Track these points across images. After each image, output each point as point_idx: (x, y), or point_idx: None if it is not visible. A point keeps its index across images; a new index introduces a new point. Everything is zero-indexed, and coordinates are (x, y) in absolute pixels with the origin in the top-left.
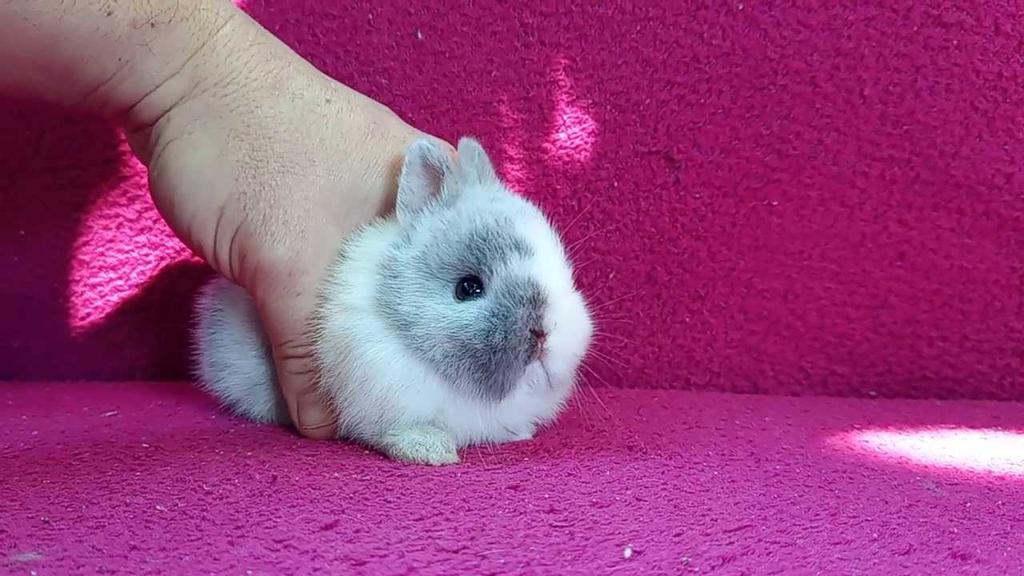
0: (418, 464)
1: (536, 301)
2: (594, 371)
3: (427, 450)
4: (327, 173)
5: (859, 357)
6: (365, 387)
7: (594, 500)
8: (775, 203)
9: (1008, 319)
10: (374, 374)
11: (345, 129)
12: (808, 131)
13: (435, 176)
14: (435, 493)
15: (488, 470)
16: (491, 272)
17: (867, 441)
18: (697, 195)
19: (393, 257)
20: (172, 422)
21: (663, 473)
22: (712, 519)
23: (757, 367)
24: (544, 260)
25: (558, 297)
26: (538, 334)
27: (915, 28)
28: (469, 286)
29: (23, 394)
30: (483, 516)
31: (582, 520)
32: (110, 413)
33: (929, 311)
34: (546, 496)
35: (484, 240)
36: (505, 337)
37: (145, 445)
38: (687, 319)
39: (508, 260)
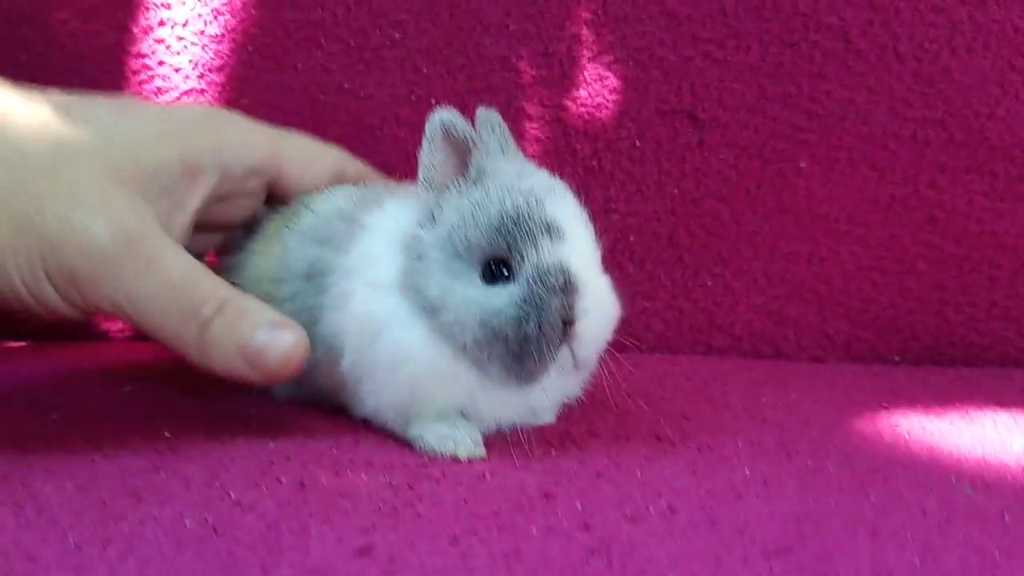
0: (445, 459)
1: (567, 288)
2: (616, 335)
3: (455, 444)
4: (105, 156)
5: (884, 322)
6: (394, 374)
7: (628, 512)
8: (803, 164)
9: None
10: (404, 360)
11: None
12: (839, 90)
13: (459, 151)
14: (466, 503)
15: (517, 469)
16: (522, 257)
17: (897, 426)
18: (722, 156)
19: (418, 237)
20: (190, 404)
21: (694, 472)
22: (750, 538)
23: (780, 331)
24: (575, 243)
25: (588, 282)
26: (568, 322)
27: None
28: (497, 268)
29: (39, 358)
30: (517, 536)
31: (617, 540)
32: (127, 389)
33: (957, 276)
34: (578, 507)
35: (515, 223)
36: (538, 326)
37: (167, 435)
38: (709, 282)
39: (539, 244)
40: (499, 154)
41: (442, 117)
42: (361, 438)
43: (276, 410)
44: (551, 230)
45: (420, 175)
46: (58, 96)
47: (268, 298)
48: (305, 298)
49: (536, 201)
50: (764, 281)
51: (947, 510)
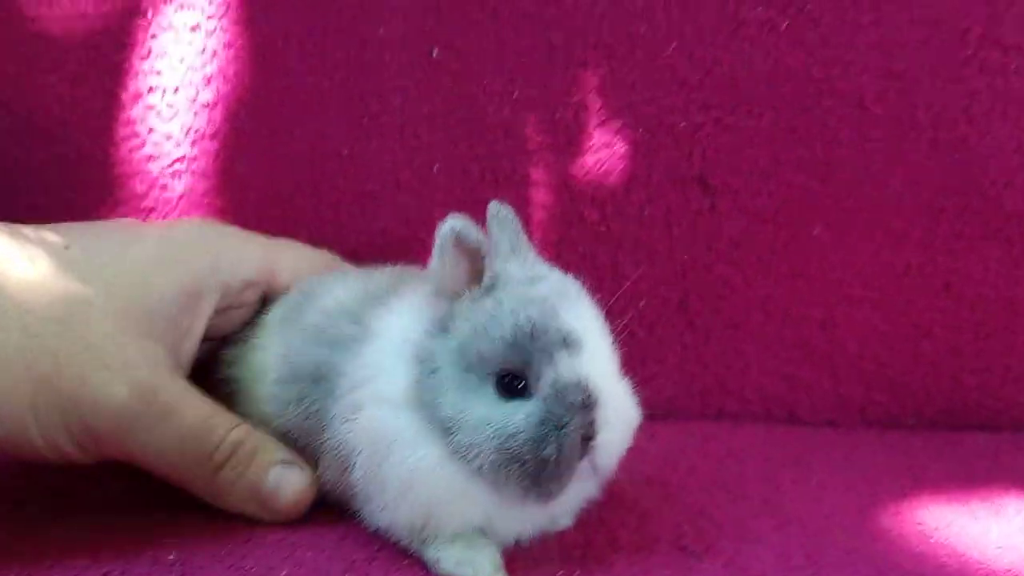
0: None
1: (587, 405)
2: None
3: (475, 570)
4: (110, 300)
5: (899, 386)
6: (407, 496)
7: None
8: (816, 230)
9: None
10: (417, 483)
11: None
12: (854, 155)
13: (472, 258)
14: None
15: None
16: (538, 373)
17: (921, 525)
18: (734, 221)
19: (430, 349)
20: (194, 513)
21: None
22: None
23: (793, 395)
24: (593, 354)
25: (609, 395)
26: (589, 437)
27: (971, 51)
28: (512, 382)
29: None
30: None
31: None
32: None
33: (973, 342)
34: None
35: (529, 338)
36: (558, 448)
37: (171, 557)
38: (721, 346)
39: (556, 359)
40: (510, 255)
41: (453, 225)
42: (374, 557)
43: (288, 533)
44: (568, 342)
45: (432, 285)
46: (51, 235)
47: (272, 398)
48: (312, 402)
49: (551, 311)
50: (777, 345)
51: None
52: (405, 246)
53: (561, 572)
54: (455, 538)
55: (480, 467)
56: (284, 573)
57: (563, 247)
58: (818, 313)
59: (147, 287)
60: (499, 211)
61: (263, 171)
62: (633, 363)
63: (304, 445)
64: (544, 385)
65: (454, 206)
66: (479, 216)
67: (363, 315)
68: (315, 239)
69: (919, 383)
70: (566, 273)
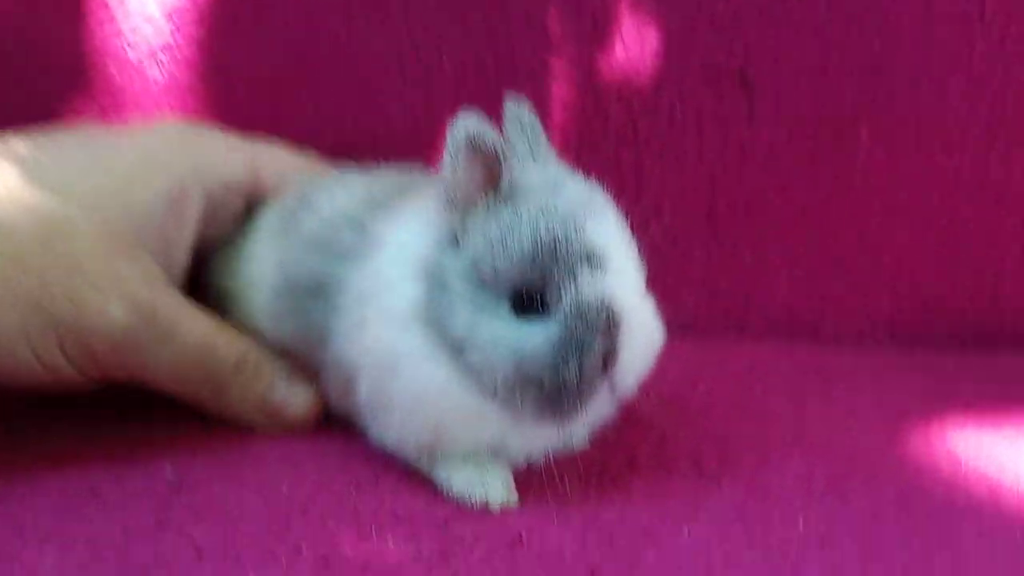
0: (475, 508)
1: (610, 325)
2: None
3: (486, 491)
4: (91, 215)
5: (932, 303)
6: (416, 415)
7: None
8: (863, 137)
9: None
10: (426, 402)
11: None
12: (914, 54)
13: (487, 163)
14: None
15: (554, 525)
16: (559, 291)
17: (951, 450)
18: (773, 125)
19: (440, 263)
20: (193, 430)
21: (745, 527)
22: None
23: (819, 311)
24: (618, 271)
25: (632, 314)
26: (610, 357)
27: None
28: (529, 299)
29: None
30: None
31: None
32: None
33: (1018, 258)
34: None
35: (551, 254)
36: (579, 371)
37: (169, 474)
38: (748, 259)
39: (578, 277)
40: (529, 159)
41: (467, 126)
42: (381, 475)
43: (290, 447)
44: (591, 259)
45: (443, 194)
46: (19, 145)
47: (269, 311)
48: (313, 316)
49: (574, 224)
50: (808, 259)
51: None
52: (408, 145)
53: (576, 493)
54: (466, 458)
55: (493, 388)
56: (285, 487)
57: (584, 149)
58: (855, 226)
59: (129, 198)
60: (517, 110)
61: (252, 59)
62: (654, 276)
63: (304, 360)
64: (565, 304)
65: (464, 102)
66: (494, 114)
67: (367, 223)
68: (309, 136)
69: (954, 300)
70: (589, 179)
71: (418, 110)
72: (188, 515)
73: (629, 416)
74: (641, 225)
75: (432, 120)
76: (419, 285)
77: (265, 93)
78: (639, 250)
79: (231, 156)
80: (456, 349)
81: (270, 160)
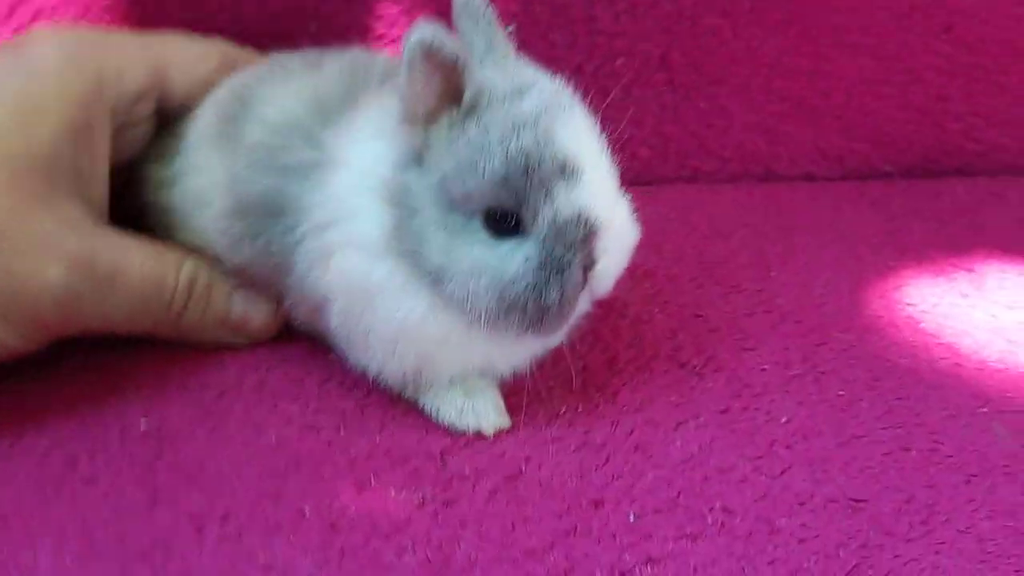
0: (469, 436)
1: (588, 238)
2: None
3: (478, 418)
4: None
5: (881, 134)
6: (397, 347)
7: (684, 528)
8: None
9: None
10: (407, 334)
11: None
12: None
13: (447, 73)
14: (513, 528)
15: (551, 451)
16: (534, 210)
17: (911, 307)
18: None
19: (405, 186)
20: (170, 381)
21: (732, 425)
22: (812, 533)
23: (772, 150)
24: (592, 179)
25: (610, 220)
26: (588, 267)
27: None
28: (503, 219)
29: None
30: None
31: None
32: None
33: (963, 85)
34: (631, 518)
35: (524, 171)
36: (561, 292)
37: (142, 426)
38: (702, 104)
39: (553, 193)
40: (487, 56)
41: (422, 37)
42: (365, 407)
43: (264, 380)
44: (565, 171)
45: (400, 111)
46: None
47: (221, 233)
48: (272, 239)
49: (545, 136)
50: (761, 99)
51: (987, 470)
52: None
53: (564, 408)
54: (452, 383)
55: (477, 315)
56: (272, 436)
57: (535, 3)
58: (807, 63)
59: (28, 137)
60: (473, 5)
61: None
62: (607, 126)
63: (265, 283)
64: (541, 222)
65: None
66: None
67: (320, 135)
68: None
69: (901, 130)
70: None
71: None
72: (179, 484)
73: (601, 302)
74: (592, 75)
75: None
76: (386, 210)
77: None
78: (590, 100)
79: (130, 58)
80: (434, 279)
81: (176, 55)
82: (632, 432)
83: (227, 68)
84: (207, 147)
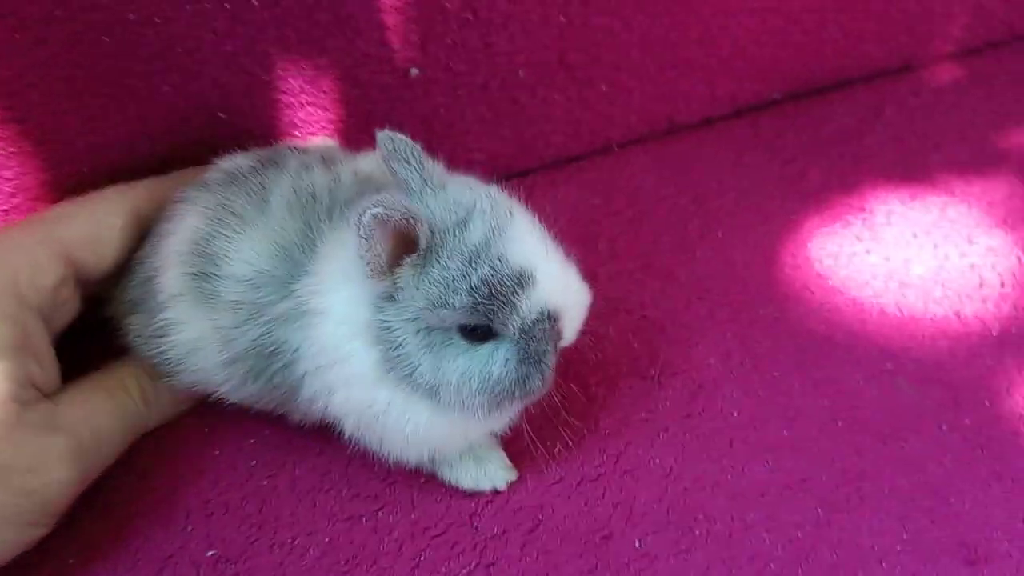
0: (486, 496)
1: (554, 324)
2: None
3: (492, 480)
4: None
5: (767, 71)
6: (409, 449)
7: (679, 546)
8: None
9: None
10: (415, 441)
11: None
12: None
13: (402, 233)
14: (546, 569)
15: (561, 496)
16: (504, 320)
17: (817, 260)
18: None
19: (385, 324)
20: (202, 488)
21: (696, 431)
22: (775, 523)
23: (672, 108)
24: (547, 275)
25: (568, 299)
26: (558, 341)
27: None
28: (477, 330)
29: None
30: None
31: None
32: None
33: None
34: (637, 545)
35: (488, 297)
36: (542, 378)
37: (211, 555)
38: (603, 89)
39: (518, 304)
40: (425, 191)
41: (374, 213)
42: (395, 484)
43: (294, 479)
44: (523, 281)
45: (364, 268)
46: None
47: (226, 377)
48: (272, 375)
49: (499, 260)
50: (656, 71)
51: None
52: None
53: (557, 446)
54: (462, 456)
55: (473, 412)
56: (324, 534)
57: (429, 44)
58: (695, 32)
59: None
60: (394, 144)
61: None
62: (520, 125)
63: (273, 408)
64: (512, 328)
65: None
66: None
67: (292, 286)
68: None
69: (785, 64)
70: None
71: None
72: None
73: None
74: (498, 90)
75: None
76: (373, 348)
77: None
78: (500, 106)
79: (40, 258)
80: (429, 393)
81: (82, 236)
82: (618, 458)
83: (136, 222)
84: (185, 304)
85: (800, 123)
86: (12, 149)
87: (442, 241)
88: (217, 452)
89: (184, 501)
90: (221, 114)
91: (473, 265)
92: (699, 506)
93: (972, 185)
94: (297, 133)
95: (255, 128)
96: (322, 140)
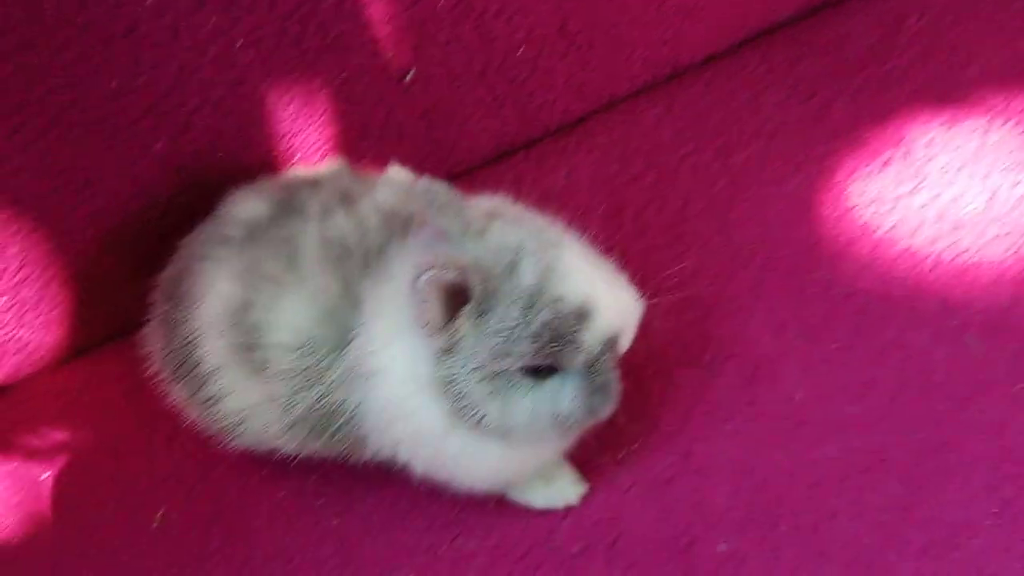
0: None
1: (615, 345)
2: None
3: (564, 496)
4: None
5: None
6: (481, 483)
7: (764, 545)
8: None
9: None
10: (490, 478)
11: None
12: None
13: (455, 289)
14: None
15: (636, 506)
16: (570, 358)
17: (854, 208)
18: None
19: (447, 377)
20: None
21: (761, 423)
22: (856, 509)
23: (675, 49)
24: (606, 302)
25: (626, 320)
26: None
27: None
28: (541, 368)
29: None
30: None
31: None
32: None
33: None
34: (721, 546)
35: (551, 340)
36: (610, 402)
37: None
38: (604, 48)
39: (581, 340)
40: (465, 237)
41: (427, 277)
42: (464, 509)
43: (368, 523)
44: (583, 315)
45: (420, 327)
46: None
47: (291, 436)
48: (334, 434)
49: (557, 302)
50: (656, 20)
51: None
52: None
53: (622, 451)
54: (532, 478)
55: (546, 446)
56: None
57: (424, 46)
58: None
59: None
60: (433, 193)
61: None
62: (522, 101)
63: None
64: (578, 363)
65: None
66: None
67: (345, 349)
68: None
69: None
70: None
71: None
72: None
73: None
74: (499, 71)
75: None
76: (438, 401)
77: None
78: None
79: None
80: (501, 435)
81: None
82: (687, 456)
83: None
84: (232, 374)
85: (815, 47)
86: (13, 228)
87: (495, 289)
88: (282, 494)
89: (260, 549)
90: (219, 154)
91: (531, 311)
92: (779, 499)
93: (1016, 99)
94: (298, 157)
95: (254, 162)
96: (329, 165)
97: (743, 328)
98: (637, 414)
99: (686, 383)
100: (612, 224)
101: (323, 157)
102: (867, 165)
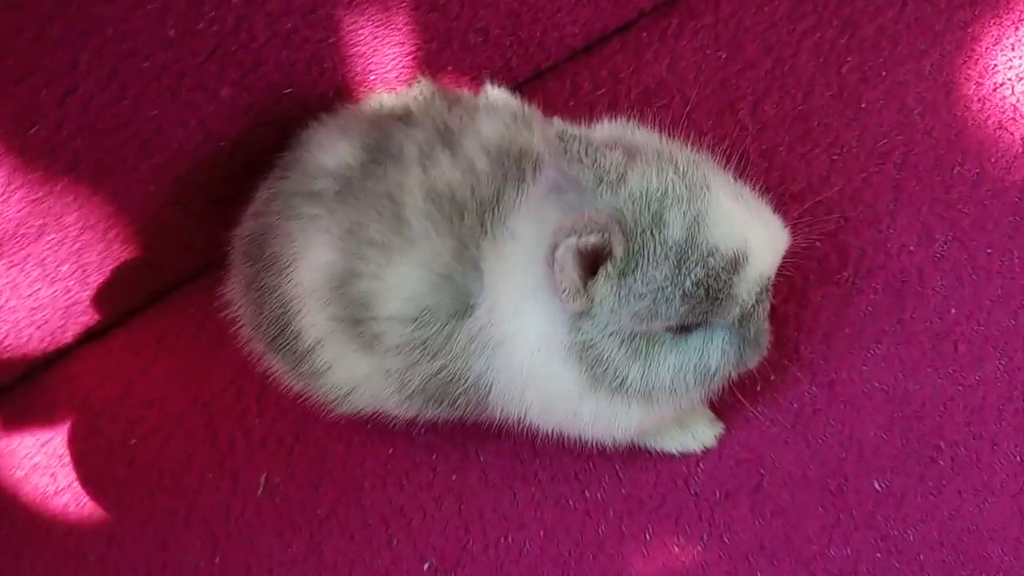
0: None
1: (769, 292)
2: None
3: (700, 440)
4: None
5: None
6: (615, 439)
7: (924, 481)
8: None
9: None
10: (623, 436)
11: None
12: None
13: (595, 256)
14: (784, 529)
15: (777, 446)
16: (725, 311)
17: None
18: None
19: (585, 343)
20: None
21: (915, 345)
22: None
23: None
24: (755, 242)
25: (776, 254)
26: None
27: None
28: (689, 325)
29: None
30: None
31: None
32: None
33: None
34: (876, 485)
35: (704, 298)
36: (761, 353)
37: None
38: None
39: (736, 291)
40: (601, 188)
41: (568, 244)
42: (592, 459)
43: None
44: (738, 264)
45: (559, 293)
46: None
47: (412, 406)
48: (456, 399)
49: (710, 255)
50: None
51: None
52: None
53: (759, 384)
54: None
55: (691, 403)
56: (542, 525)
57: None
58: None
59: None
60: (564, 138)
61: None
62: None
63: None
64: (732, 316)
65: None
66: None
67: (465, 317)
68: None
69: None
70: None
71: None
72: None
73: None
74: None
75: None
76: (576, 367)
77: None
78: None
79: None
80: (643, 397)
81: None
82: (831, 386)
83: None
84: (338, 346)
85: None
86: (69, 197)
87: (640, 246)
88: (390, 451)
89: (375, 511)
90: (290, 89)
91: (682, 268)
92: (936, 430)
93: None
94: (373, 78)
95: (327, 92)
96: (415, 88)
97: (885, 237)
98: (772, 343)
99: (825, 304)
100: (726, 121)
101: (402, 75)
102: (1014, 30)
